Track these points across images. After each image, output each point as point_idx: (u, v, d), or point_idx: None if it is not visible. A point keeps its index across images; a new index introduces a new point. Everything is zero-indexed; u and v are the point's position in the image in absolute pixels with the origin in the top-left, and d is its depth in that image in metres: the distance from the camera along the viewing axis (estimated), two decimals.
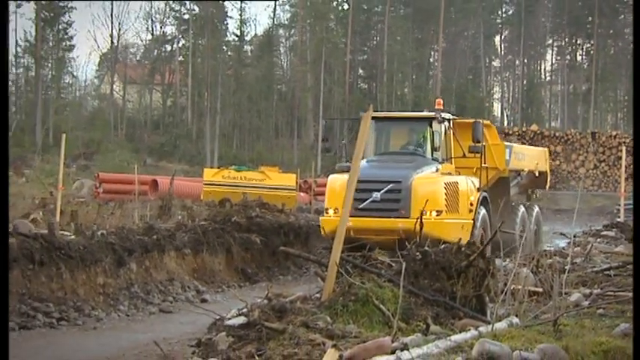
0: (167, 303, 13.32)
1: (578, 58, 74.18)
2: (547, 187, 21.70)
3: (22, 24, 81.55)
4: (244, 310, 7.85)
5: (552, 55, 76.84)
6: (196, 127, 60.04)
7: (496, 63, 76.83)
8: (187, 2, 63.08)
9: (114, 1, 62.12)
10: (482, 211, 16.08)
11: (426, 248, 8.61)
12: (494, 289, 8.41)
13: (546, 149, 22.54)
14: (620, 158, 29.58)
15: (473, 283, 8.27)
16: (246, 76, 63.16)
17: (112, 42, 63.26)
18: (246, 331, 7.30)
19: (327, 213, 15.63)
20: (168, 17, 64.84)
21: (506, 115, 74.24)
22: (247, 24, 74.74)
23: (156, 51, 65.36)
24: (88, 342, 10.48)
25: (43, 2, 56.71)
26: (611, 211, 33.47)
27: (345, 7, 67.60)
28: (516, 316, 8.12)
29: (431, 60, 72.86)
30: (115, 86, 63.74)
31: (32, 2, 56.49)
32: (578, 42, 73.88)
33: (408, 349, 6.20)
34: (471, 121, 16.74)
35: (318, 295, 8.58)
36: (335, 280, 8.07)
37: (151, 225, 15.15)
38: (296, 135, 62.13)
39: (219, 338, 7.48)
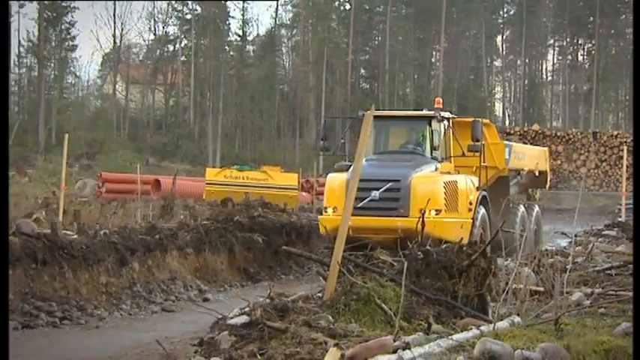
0: (169, 302, 13.35)
1: (580, 58, 74.23)
2: (547, 186, 21.65)
3: (24, 24, 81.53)
4: (246, 309, 7.84)
5: (554, 55, 76.96)
6: (199, 126, 60.00)
7: (498, 63, 76.75)
8: (190, 2, 63.15)
9: (116, 1, 62.16)
10: (482, 210, 16.02)
11: (428, 247, 8.63)
12: (495, 289, 8.43)
13: (546, 149, 22.49)
14: (622, 158, 29.66)
15: (474, 282, 8.29)
16: (248, 76, 63.16)
17: (114, 42, 63.41)
18: (249, 331, 7.30)
19: (325, 212, 15.57)
20: (171, 17, 64.94)
21: (508, 115, 74.25)
22: (249, 24, 74.54)
23: (158, 51, 65.34)
24: (91, 341, 10.50)
25: (46, 2, 56.73)
26: (612, 210, 33.38)
27: (347, 7, 67.63)
28: (518, 315, 8.13)
29: (432, 60, 72.82)
30: (117, 86, 63.76)
31: (35, 2, 56.68)
32: (580, 42, 73.93)
33: (409, 348, 6.21)
34: (471, 119, 16.66)
35: (320, 295, 8.60)
36: (337, 280, 8.10)
37: (154, 224, 15.18)
38: (298, 135, 62.18)
39: (221, 337, 7.48)
